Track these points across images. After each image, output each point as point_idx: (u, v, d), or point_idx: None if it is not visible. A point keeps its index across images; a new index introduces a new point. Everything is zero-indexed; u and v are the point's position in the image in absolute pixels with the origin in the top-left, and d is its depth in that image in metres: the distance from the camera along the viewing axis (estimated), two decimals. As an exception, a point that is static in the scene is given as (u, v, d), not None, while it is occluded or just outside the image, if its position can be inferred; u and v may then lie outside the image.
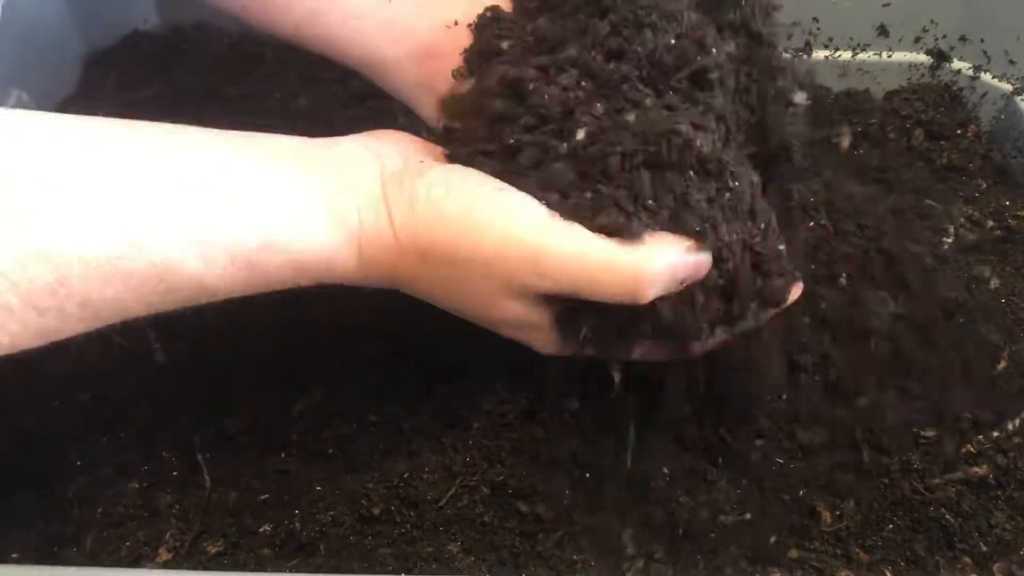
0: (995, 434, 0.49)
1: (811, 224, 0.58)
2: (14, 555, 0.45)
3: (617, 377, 0.47)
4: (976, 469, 0.48)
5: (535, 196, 0.41)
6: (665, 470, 0.47)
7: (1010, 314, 0.55)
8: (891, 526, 0.46)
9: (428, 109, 0.51)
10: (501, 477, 0.47)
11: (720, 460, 0.48)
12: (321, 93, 0.72)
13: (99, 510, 0.47)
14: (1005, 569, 0.44)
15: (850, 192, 0.61)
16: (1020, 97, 0.69)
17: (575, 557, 0.44)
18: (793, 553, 0.45)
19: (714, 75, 0.44)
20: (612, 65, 0.43)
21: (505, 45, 0.47)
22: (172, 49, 0.76)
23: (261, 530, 0.46)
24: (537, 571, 0.44)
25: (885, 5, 0.73)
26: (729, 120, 0.44)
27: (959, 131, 0.70)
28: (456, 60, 0.49)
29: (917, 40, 0.74)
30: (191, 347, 0.53)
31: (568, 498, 0.46)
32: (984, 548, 0.45)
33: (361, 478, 0.47)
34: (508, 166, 0.42)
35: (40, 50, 0.68)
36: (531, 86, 0.43)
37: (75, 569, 0.44)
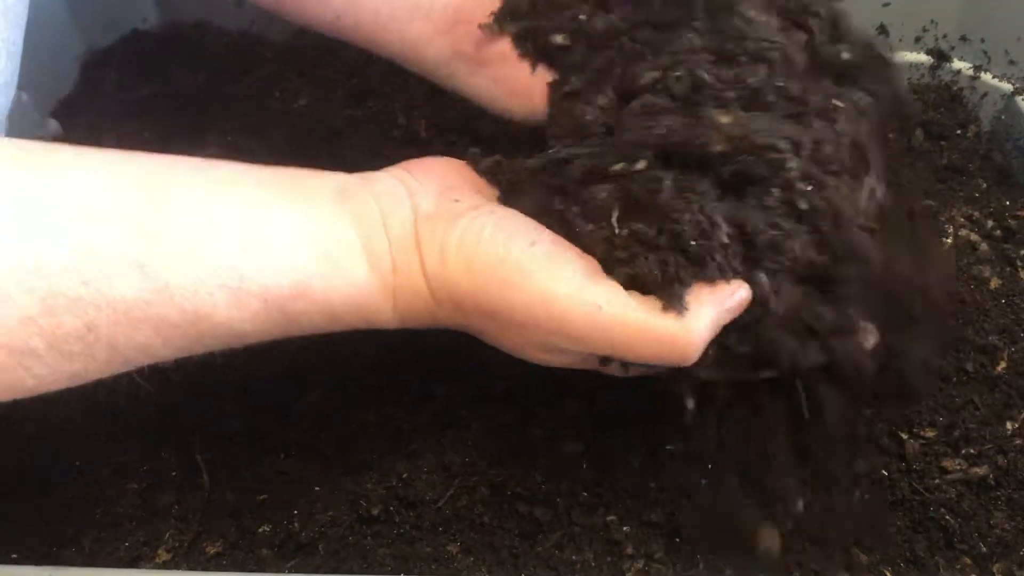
0: (995, 434, 0.49)
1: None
2: (14, 555, 0.45)
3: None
4: (976, 469, 0.48)
5: (576, 224, 0.40)
6: (665, 470, 0.47)
7: (1010, 314, 0.55)
8: (891, 526, 0.46)
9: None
10: (500, 478, 0.47)
11: (719, 461, 0.48)
12: (321, 93, 0.72)
13: (98, 510, 0.47)
14: (1005, 569, 0.44)
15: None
16: (1020, 97, 0.69)
17: (574, 557, 0.44)
18: (793, 554, 0.45)
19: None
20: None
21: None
22: (172, 49, 0.76)
23: (260, 530, 0.46)
24: (536, 571, 0.44)
25: (885, 5, 0.72)
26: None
27: (959, 131, 0.70)
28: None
29: (917, 40, 0.74)
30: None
31: (568, 499, 0.46)
32: (984, 548, 0.45)
33: (360, 479, 0.47)
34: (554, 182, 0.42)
35: (40, 50, 0.67)
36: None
37: (75, 569, 0.44)
